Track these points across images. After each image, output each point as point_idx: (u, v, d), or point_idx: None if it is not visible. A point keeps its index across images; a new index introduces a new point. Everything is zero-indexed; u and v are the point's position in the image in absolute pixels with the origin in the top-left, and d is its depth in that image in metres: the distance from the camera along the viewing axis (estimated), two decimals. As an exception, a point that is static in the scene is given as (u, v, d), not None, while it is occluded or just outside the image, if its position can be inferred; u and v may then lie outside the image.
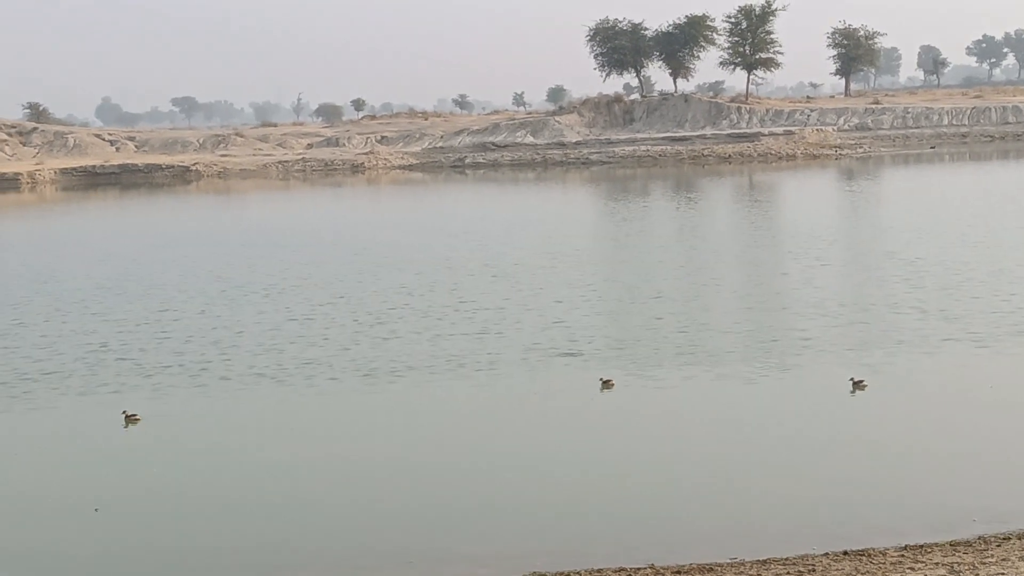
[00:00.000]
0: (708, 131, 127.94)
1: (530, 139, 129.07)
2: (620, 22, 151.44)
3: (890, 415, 22.96)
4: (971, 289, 34.69)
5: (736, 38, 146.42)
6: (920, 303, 32.89)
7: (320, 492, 19.81)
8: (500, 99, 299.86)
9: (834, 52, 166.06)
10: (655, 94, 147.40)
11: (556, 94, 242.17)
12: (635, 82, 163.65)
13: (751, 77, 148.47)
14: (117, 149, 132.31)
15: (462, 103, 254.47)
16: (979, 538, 16.33)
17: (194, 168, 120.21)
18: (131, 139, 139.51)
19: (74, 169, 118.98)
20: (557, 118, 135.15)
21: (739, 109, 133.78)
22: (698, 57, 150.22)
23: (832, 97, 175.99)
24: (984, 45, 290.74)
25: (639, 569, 15.90)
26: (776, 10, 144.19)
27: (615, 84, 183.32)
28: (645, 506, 18.52)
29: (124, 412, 24.41)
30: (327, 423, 24.12)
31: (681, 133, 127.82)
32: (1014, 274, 37.15)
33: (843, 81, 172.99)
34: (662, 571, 15.78)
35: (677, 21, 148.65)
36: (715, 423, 22.89)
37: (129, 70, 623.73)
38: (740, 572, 15.55)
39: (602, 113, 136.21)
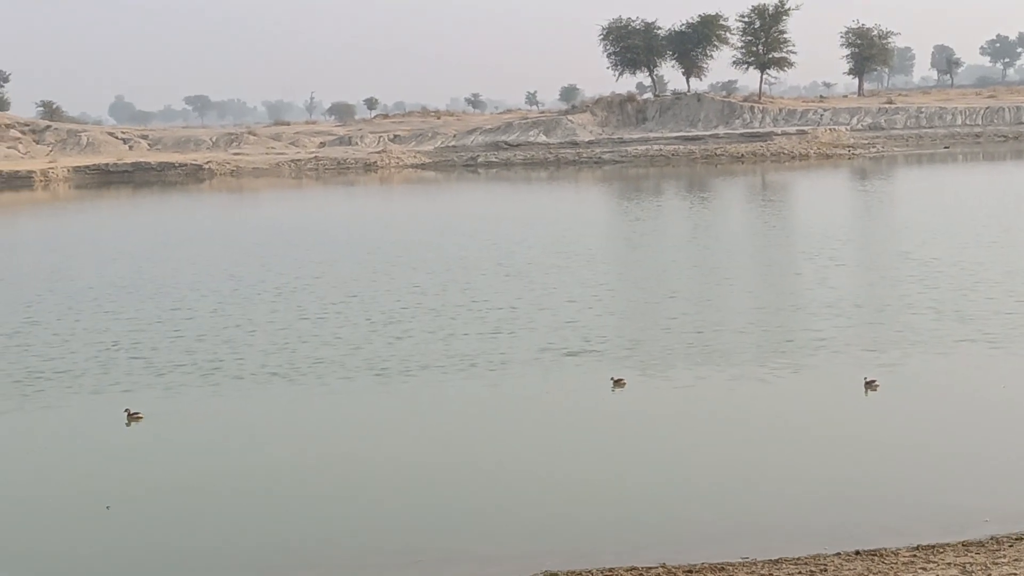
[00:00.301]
0: (721, 130, 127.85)
1: (543, 138, 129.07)
2: (633, 21, 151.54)
3: (902, 415, 22.93)
4: (986, 290, 34.61)
5: (749, 37, 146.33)
6: (934, 304, 32.83)
7: (331, 490, 19.84)
8: (513, 98, 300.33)
9: (847, 52, 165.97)
10: (668, 93, 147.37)
11: (569, 93, 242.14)
12: (648, 81, 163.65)
13: (764, 76, 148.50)
14: (130, 147, 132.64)
15: (475, 102, 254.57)
16: (991, 538, 16.30)
17: (207, 166, 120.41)
18: (144, 137, 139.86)
19: (87, 167, 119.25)
20: (570, 117, 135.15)
21: (752, 108, 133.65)
22: (711, 56, 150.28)
23: (845, 97, 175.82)
24: (998, 45, 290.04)
25: (651, 568, 15.89)
26: (789, 9, 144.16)
27: (628, 83, 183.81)
28: (657, 505, 18.51)
29: (127, 410, 24.46)
30: (339, 422, 24.14)
31: (694, 132, 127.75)
32: (1028, 274, 37.06)
33: (856, 81, 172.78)
34: (674, 570, 15.77)
35: (690, 20, 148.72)
36: (727, 423, 22.87)
37: (142, 68, 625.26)
38: (752, 572, 15.54)
39: (615, 112, 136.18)
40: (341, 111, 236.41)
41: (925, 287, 35.41)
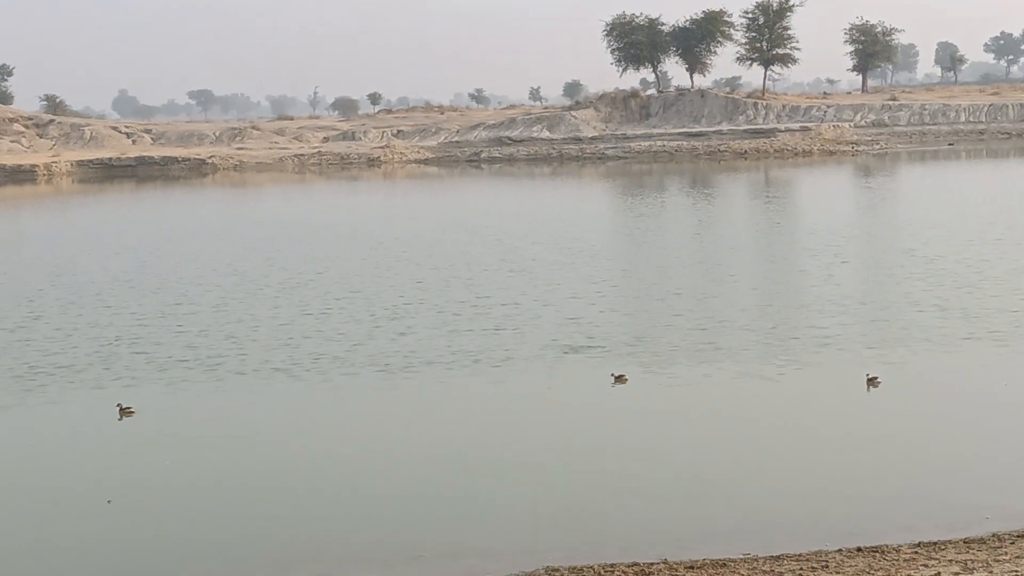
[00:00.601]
0: (724, 127, 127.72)
1: (546, 134, 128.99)
2: (637, 17, 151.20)
3: (905, 412, 22.94)
4: (991, 287, 34.59)
5: (753, 34, 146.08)
6: (938, 301, 32.82)
7: (333, 485, 19.87)
8: (516, 94, 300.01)
9: (851, 48, 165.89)
10: (671, 89, 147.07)
11: (572, 89, 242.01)
12: (652, 77, 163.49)
13: (768, 73, 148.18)
14: (133, 142, 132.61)
15: (478, 97, 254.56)
16: (993, 535, 16.32)
17: (210, 161, 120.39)
18: (147, 132, 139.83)
19: (90, 161, 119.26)
20: (573, 113, 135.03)
21: (756, 105, 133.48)
22: (715, 53, 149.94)
23: (849, 93, 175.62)
24: (1002, 42, 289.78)
25: (652, 564, 15.91)
26: (793, 6, 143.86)
27: (631, 79, 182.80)
28: (658, 501, 18.53)
29: (119, 405, 24.47)
30: (341, 417, 24.17)
31: (697, 129, 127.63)
32: (1032, 272, 37.06)
33: (860, 77, 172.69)
34: (675, 566, 15.78)
35: (694, 16, 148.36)
36: (729, 419, 22.88)
37: (146, 63, 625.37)
38: (753, 568, 15.55)
39: (618, 108, 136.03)
40: (345, 106, 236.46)
41: (930, 284, 35.39)
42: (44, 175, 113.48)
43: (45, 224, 71.07)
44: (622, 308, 34.72)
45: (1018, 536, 16.21)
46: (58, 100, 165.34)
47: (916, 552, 15.76)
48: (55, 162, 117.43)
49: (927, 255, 41.20)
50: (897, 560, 15.47)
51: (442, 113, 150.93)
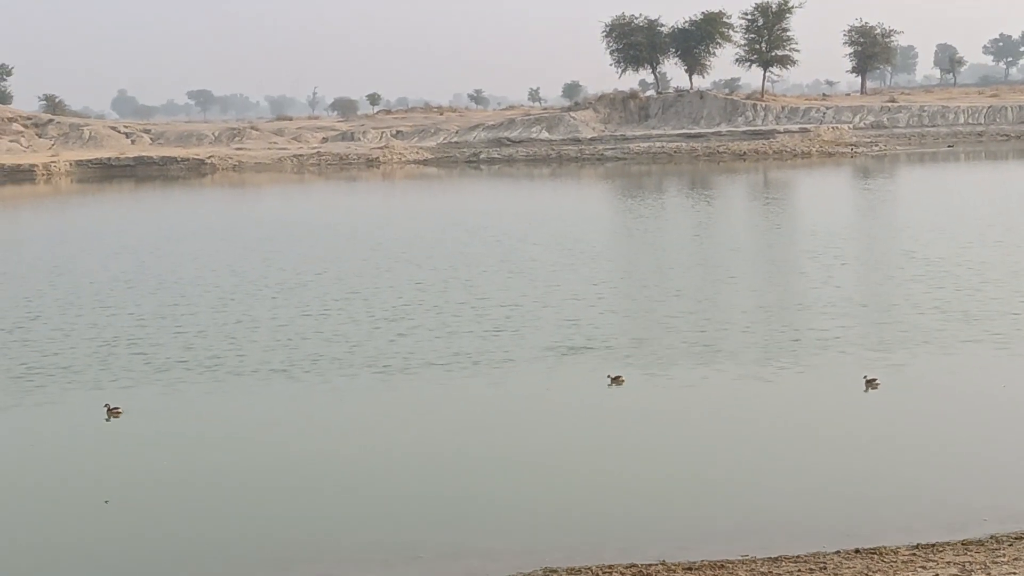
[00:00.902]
0: (723, 128, 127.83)
1: (545, 135, 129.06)
2: (636, 18, 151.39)
3: (903, 414, 22.95)
4: (991, 290, 34.58)
5: (752, 35, 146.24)
6: (938, 303, 32.82)
7: (332, 486, 19.86)
8: (515, 95, 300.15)
9: (850, 50, 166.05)
10: (671, 91, 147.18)
11: (571, 90, 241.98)
12: (651, 79, 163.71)
13: (767, 74, 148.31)
14: (132, 142, 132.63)
15: (477, 98, 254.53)
16: (991, 537, 16.33)
17: (209, 161, 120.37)
18: (146, 132, 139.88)
19: (89, 161, 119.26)
20: (572, 114, 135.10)
21: (755, 106, 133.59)
22: (714, 54, 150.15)
23: (848, 95, 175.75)
24: (1001, 44, 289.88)
25: (650, 565, 15.91)
26: (793, 7, 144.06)
27: (631, 80, 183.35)
28: (657, 502, 18.54)
29: (106, 405, 24.46)
30: (340, 418, 24.16)
31: (696, 130, 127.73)
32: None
33: (859, 79, 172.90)
34: (673, 568, 15.79)
35: (693, 18, 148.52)
36: (728, 420, 22.89)
37: (145, 63, 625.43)
38: (751, 569, 15.56)
39: (617, 109, 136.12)
40: (344, 106, 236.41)
41: (930, 287, 35.39)
42: (43, 175, 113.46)
43: (44, 224, 71.03)
44: (622, 309, 34.72)
45: (1016, 538, 16.22)
46: (57, 100, 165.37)
47: (914, 554, 15.77)
48: (54, 162, 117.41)
49: (927, 257, 41.22)
50: (895, 562, 15.48)
51: (441, 114, 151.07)
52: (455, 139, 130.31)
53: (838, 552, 16.03)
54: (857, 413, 23.09)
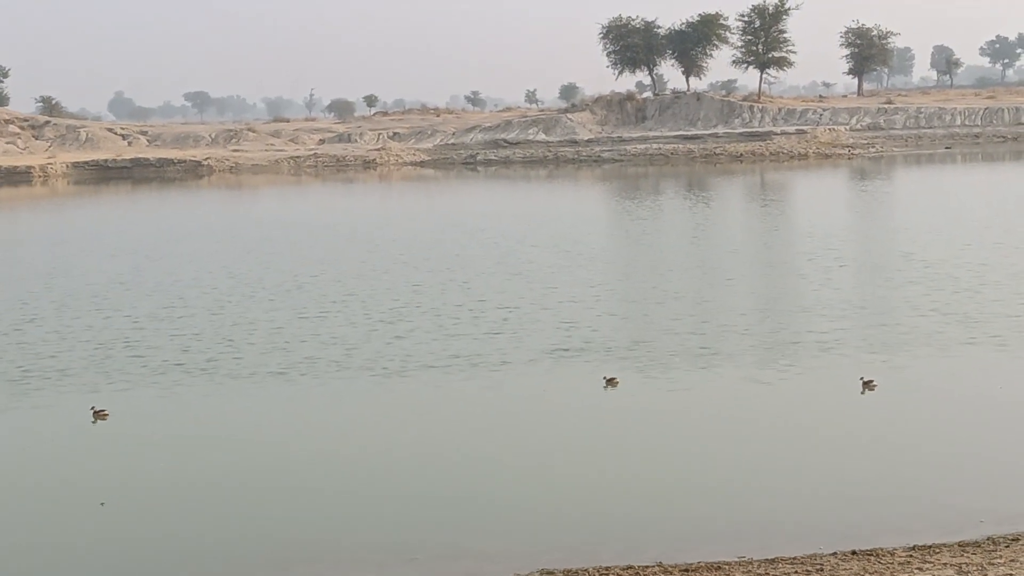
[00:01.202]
0: (720, 130, 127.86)
1: (542, 136, 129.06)
2: (633, 20, 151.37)
3: (900, 415, 22.96)
4: (989, 292, 34.54)
5: (749, 37, 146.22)
6: (936, 305, 32.79)
7: (328, 487, 19.86)
8: (512, 96, 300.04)
9: (847, 51, 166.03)
10: (667, 92, 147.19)
11: (568, 91, 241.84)
12: (648, 80, 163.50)
13: (764, 76, 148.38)
14: (129, 143, 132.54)
15: (474, 100, 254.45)
16: (988, 539, 16.33)
17: (206, 163, 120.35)
18: (143, 133, 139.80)
19: (86, 163, 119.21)
20: (569, 116, 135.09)
21: (751, 108, 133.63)
22: (711, 56, 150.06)
23: (845, 96, 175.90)
24: (997, 46, 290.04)
25: (647, 567, 15.92)
26: (789, 9, 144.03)
27: (628, 82, 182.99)
28: (654, 504, 18.54)
29: (92, 408, 24.44)
30: (336, 420, 24.16)
31: (693, 131, 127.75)
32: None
33: (856, 80, 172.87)
34: (670, 569, 15.79)
35: (690, 19, 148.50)
36: (724, 422, 22.90)
37: (142, 64, 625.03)
38: (748, 571, 15.56)
39: (614, 111, 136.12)
40: (340, 108, 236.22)
41: (928, 288, 35.35)
42: (40, 177, 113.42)
43: (40, 226, 71.00)
44: (620, 311, 34.72)
45: (1012, 539, 16.23)
46: (54, 102, 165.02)
47: (911, 555, 15.77)
48: (51, 164, 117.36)
49: (925, 259, 41.20)
50: (892, 563, 15.48)
51: (438, 115, 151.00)
52: (452, 141, 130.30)
53: (835, 553, 16.03)
54: (854, 415, 23.10)
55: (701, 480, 19.58)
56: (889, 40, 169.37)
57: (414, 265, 44.26)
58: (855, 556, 15.87)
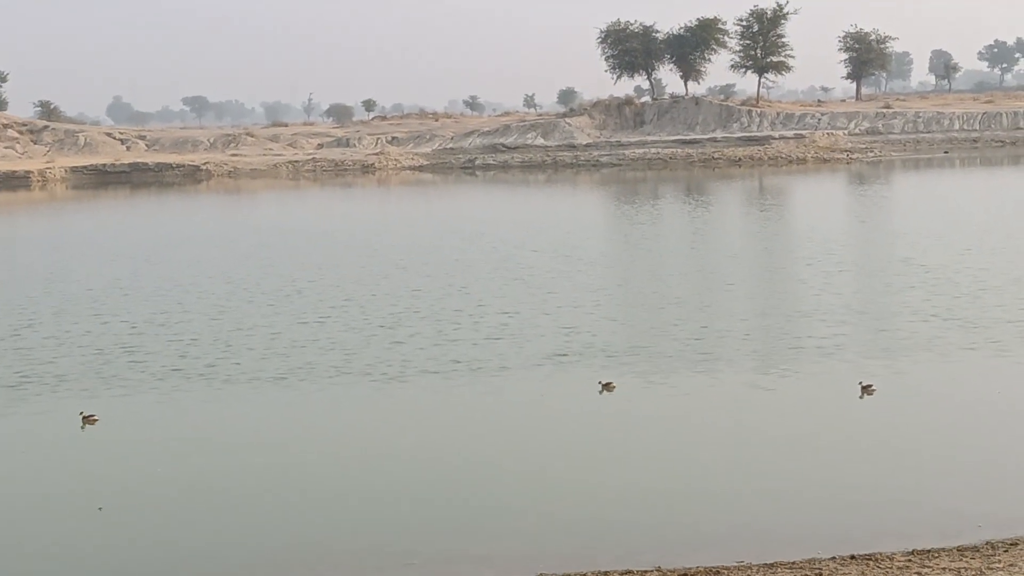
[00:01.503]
0: (719, 134, 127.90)
1: (540, 141, 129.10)
2: (631, 24, 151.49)
3: (899, 420, 22.95)
4: (990, 297, 34.48)
5: (747, 41, 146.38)
6: (936, 310, 32.76)
7: (326, 492, 19.84)
8: (511, 101, 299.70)
9: (845, 56, 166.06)
10: (666, 97, 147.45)
11: (567, 96, 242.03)
12: (646, 84, 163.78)
13: (762, 80, 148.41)
14: (128, 148, 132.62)
15: (473, 104, 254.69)
16: (986, 543, 16.33)
17: (204, 167, 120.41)
18: (142, 138, 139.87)
19: (84, 168, 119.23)
20: (568, 120, 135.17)
21: (750, 112, 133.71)
22: (709, 60, 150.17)
23: (843, 101, 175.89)
24: (996, 50, 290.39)
25: (646, 572, 15.90)
26: (788, 13, 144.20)
27: (626, 86, 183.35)
28: (652, 508, 18.53)
29: (81, 413, 24.42)
30: (334, 425, 24.13)
31: (691, 136, 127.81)
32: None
33: (854, 85, 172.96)
34: (668, 574, 15.79)
35: (688, 24, 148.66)
36: (723, 427, 22.88)
37: (140, 69, 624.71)
38: (747, 576, 15.56)
39: (613, 115, 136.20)
40: (339, 113, 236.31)
41: (929, 293, 35.31)
42: (38, 181, 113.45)
43: (39, 231, 70.99)
44: (619, 317, 34.71)
45: (1011, 544, 16.22)
46: (52, 106, 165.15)
47: (910, 560, 15.77)
48: (49, 168, 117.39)
49: (925, 264, 41.18)
50: (891, 568, 15.48)
51: (436, 120, 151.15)
52: (450, 145, 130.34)
53: (833, 558, 16.03)
54: (853, 419, 23.09)
55: (700, 484, 19.57)
56: (887, 44, 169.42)
57: (413, 270, 44.25)
58: (854, 560, 15.86)
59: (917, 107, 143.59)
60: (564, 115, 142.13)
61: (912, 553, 16.05)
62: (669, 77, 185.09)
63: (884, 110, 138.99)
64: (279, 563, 16.86)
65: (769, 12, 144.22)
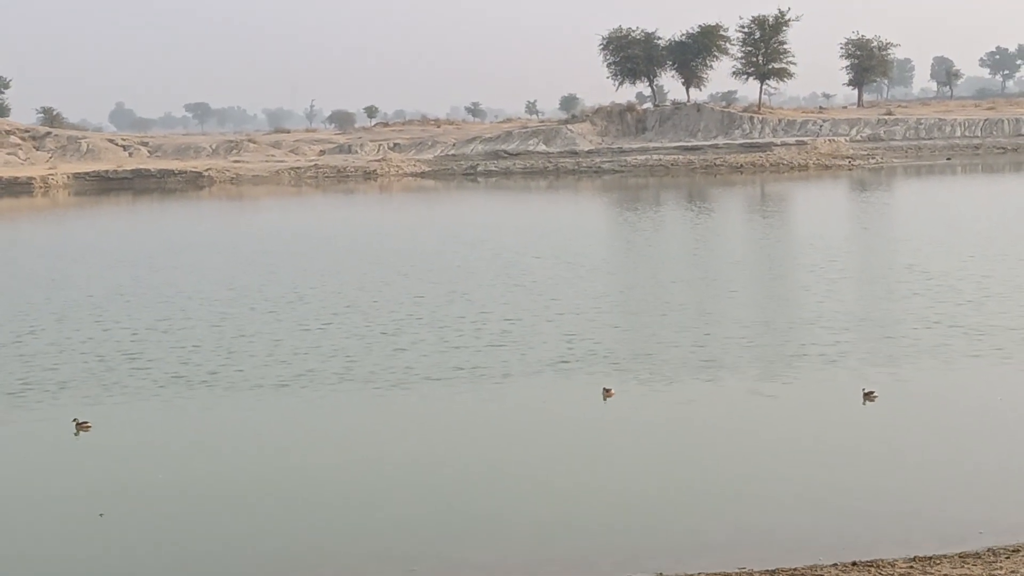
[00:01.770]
0: (720, 141, 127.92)
1: (542, 147, 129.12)
2: (633, 31, 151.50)
3: (901, 427, 22.97)
4: (993, 304, 34.45)
5: (749, 48, 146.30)
6: (939, 317, 32.74)
7: (327, 498, 19.86)
8: (513, 107, 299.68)
9: (847, 63, 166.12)
10: (668, 103, 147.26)
11: (569, 102, 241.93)
12: (648, 91, 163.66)
13: (764, 87, 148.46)
14: (130, 154, 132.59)
15: (475, 111, 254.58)
16: (988, 550, 16.33)
17: (207, 174, 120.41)
18: (144, 144, 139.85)
19: (87, 174, 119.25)
20: (569, 126, 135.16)
21: (751, 119, 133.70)
22: (711, 67, 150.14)
23: (845, 108, 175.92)
24: (997, 57, 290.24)
25: (648, 579, 15.92)
26: (789, 20, 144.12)
27: (628, 93, 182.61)
28: (654, 515, 18.54)
29: (75, 420, 24.42)
30: (337, 431, 24.15)
31: (693, 143, 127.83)
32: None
33: (856, 92, 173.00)
34: (671, 581, 15.79)
35: (690, 31, 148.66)
36: (725, 433, 22.90)
37: (143, 75, 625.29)
38: (749, 583, 15.56)
39: (614, 122, 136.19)
40: (341, 119, 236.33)
41: (932, 301, 35.26)
42: (41, 188, 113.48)
43: (41, 237, 70.97)
44: (622, 323, 34.71)
45: (1013, 550, 16.22)
46: (55, 112, 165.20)
47: (911, 567, 15.77)
48: (52, 175, 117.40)
49: (927, 271, 41.15)
50: (892, 574, 15.48)
51: (438, 126, 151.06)
52: (452, 152, 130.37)
53: (835, 565, 16.03)
54: (855, 426, 23.10)
55: (702, 491, 19.59)
56: (889, 51, 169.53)
57: (415, 277, 44.26)
58: (855, 567, 15.87)
59: (919, 114, 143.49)
60: (566, 122, 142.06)
61: (914, 560, 16.05)
62: (671, 84, 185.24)
63: (886, 117, 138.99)
64: (281, 570, 16.87)
65: (771, 19, 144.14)
